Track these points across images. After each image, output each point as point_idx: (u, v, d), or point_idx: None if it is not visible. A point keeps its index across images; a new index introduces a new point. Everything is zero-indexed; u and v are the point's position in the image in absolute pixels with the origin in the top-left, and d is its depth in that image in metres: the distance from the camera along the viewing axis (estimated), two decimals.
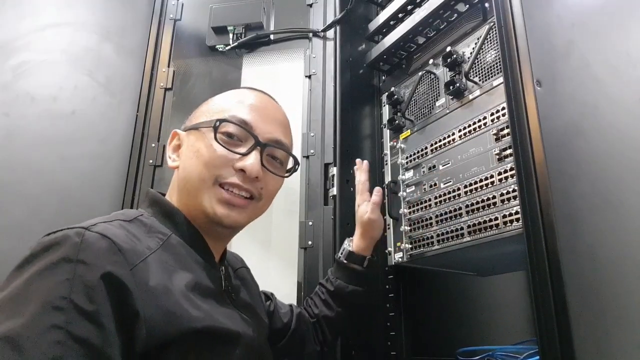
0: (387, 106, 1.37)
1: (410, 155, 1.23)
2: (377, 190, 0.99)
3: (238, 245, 1.25)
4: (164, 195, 0.78)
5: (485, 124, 1.02)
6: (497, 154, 0.97)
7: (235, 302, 0.76)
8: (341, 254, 1.03)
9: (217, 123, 0.73)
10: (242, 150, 0.74)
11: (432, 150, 1.16)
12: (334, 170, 1.26)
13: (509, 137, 0.90)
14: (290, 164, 0.84)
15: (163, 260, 0.64)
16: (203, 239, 0.75)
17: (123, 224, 0.65)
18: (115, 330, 0.54)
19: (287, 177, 0.83)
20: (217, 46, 1.51)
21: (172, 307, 0.60)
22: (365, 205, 1.03)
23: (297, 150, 1.31)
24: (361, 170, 1.07)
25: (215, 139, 0.72)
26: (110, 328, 0.54)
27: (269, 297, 0.98)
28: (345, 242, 1.07)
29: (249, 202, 0.75)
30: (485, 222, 0.97)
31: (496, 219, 0.94)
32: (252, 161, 0.73)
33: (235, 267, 0.89)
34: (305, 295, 1.14)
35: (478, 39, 1.09)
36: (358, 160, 1.10)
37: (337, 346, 1.09)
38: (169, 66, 1.56)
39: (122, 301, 0.56)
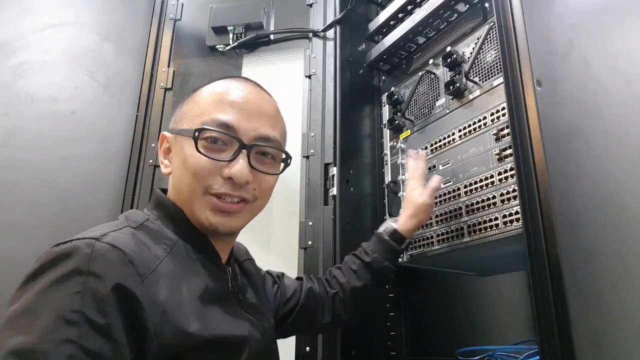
0: (387, 106, 1.37)
1: None
2: (438, 177, 1.02)
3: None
4: (166, 191, 0.77)
5: (485, 124, 1.02)
6: (497, 154, 0.97)
7: (242, 302, 0.76)
8: (384, 230, 1.04)
9: (196, 133, 0.70)
10: (228, 155, 0.71)
11: (432, 150, 1.16)
12: (334, 170, 1.26)
13: (509, 137, 0.90)
14: (283, 155, 0.79)
15: (171, 269, 0.64)
16: (208, 241, 0.74)
17: (133, 232, 0.65)
18: (126, 344, 0.54)
19: (280, 173, 0.78)
20: (217, 46, 1.51)
21: (181, 321, 0.60)
22: (421, 190, 1.03)
23: (297, 150, 1.31)
24: (419, 158, 1.09)
25: (197, 149, 0.70)
26: (122, 341, 0.53)
27: (276, 280, 0.97)
28: (389, 220, 1.08)
29: (243, 205, 0.73)
30: (485, 222, 0.97)
31: (496, 219, 0.95)
32: (239, 167, 0.70)
33: (240, 260, 0.88)
34: None
35: (478, 39, 1.09)
36: (412, 151, 1.12)
37: (337, 346, 1.10)
38: (169, 66, 1.56)
39: (134, 314, 0.55)
